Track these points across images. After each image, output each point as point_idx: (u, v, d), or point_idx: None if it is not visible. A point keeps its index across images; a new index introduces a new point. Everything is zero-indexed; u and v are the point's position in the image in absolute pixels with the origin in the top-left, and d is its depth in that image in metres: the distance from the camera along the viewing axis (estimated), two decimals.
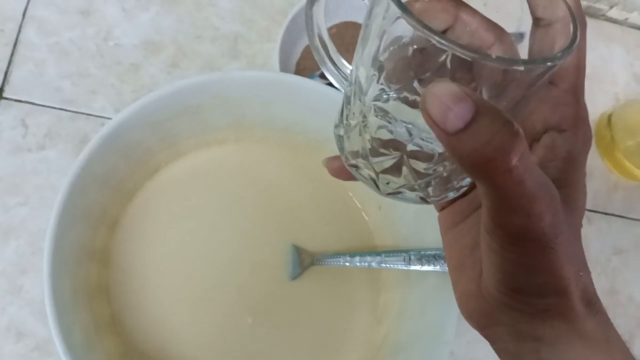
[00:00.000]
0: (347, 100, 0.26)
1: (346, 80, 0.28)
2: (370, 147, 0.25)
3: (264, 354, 0.47)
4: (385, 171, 0.25)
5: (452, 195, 0.26)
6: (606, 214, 0.59)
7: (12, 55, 0.52)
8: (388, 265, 0.45)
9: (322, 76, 0.54)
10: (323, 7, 0.27)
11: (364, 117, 0.24)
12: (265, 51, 0.58)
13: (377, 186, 0.26)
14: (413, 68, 0.22)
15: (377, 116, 0.24)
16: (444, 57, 0.19)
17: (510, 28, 0.24)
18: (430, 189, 0.25)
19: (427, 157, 0.24)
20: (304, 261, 0.48)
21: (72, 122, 0.51)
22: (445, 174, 0.24)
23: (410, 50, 0.21)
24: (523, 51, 0.24)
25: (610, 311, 0.56)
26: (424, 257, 0.43)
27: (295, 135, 0.50)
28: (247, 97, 0.46)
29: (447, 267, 0.27)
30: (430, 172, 0.24)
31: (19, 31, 0.53)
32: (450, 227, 0.27)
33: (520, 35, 0.25)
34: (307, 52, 0.57)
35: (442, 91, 0.18)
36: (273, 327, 0.47)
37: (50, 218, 0.38)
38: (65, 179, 0.39)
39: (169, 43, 0.55)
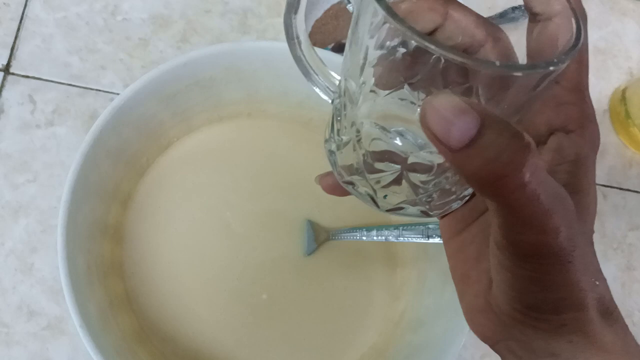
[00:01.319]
0: (337, 113, 0.25)
1: (334, 92, 0.27)
2: (365, 161, 0.24)
3: (279, 331, 0.46)
4: (383, 187, 0.24)
5: (455, 205, 0.25)
6: (621, 189, 0.59)
7: (18, 30, 0.51)
8: (406, 239, 0.44)
9: (335, 49, 0.53)
10: (303, 14, 0.25)
11: (357, 130, 0.23)
12: (275, 26, 0.56)
13: (375, 203, 0.25)
14: (402, 72, 0.20)
15: (370, 127, 0.22)
16: (433, 59, 0.18)
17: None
18: (432, 202, 0.24)
19: (426, 168, 0.22)
20: (319, 236, 0.47)
21: (81, 98, 0.50)
22: (447, 186, 0.23)
23: (400, 53, 0.20)
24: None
25: (627, 288, 0.55)
26: None
27: (309, 109, 0.49)
28: (259, 70, 0.45)
29: (452, 277, 0.26)
30: (431, 184, 0.23)
31: (25, 6, 0.52)
32: (453, 235, 0.26)
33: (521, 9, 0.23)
34: (319, 27, 0.56)
35: (443, 104, 0.16)
36: (288, 303, 0.47)
37: (63, 191, 0.37)
38: (78, 152, 0.38)
39: (177, 18, 0.54)
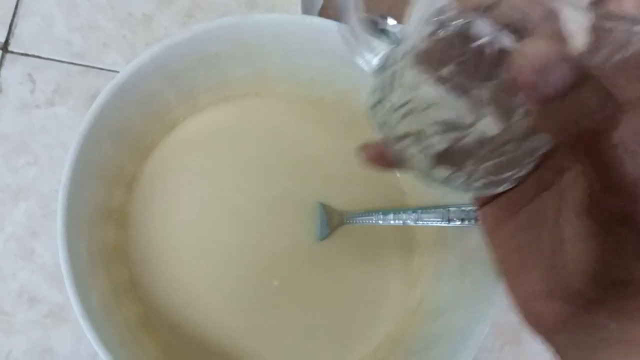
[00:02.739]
0: (390, 79, 0.23)
1: (392, 41, 0.25)
2: (421, 128, 0.22)
3: (289, 319, 0.44)
4: (438, 156, 0.22)
5: (506, 186, 0.23)
6: None
7: (16, 7, 0.49)
8: (425, 223, 0.41)
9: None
10: None
11: (414, 95, 0.21)
12: (284, 2, 0.54)
13: (427, 174, 0.23)
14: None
15: (429, 91, 0.21)
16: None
17: None
18: (485, 177, 0.22)
19: (485, 140, 0.21)
20: (332, 220, 0.45)
21: (83, 77, 0.48)
22: (504, 161, 0.22)
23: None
24: None
25: None
26: (465, 213, 0.40)
27: (320, 87, 0.47)
28: (268, 45, 0.43)
29: (501, 267, 0.23)
30: (488, 158, 0.21)
31: None
32: (499, 224, 0.24)
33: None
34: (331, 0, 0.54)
35: (541, 50, 0.15)
36: (300, 290, 0.44)
37: (62, 174, 0.35)
38: (78, 131, 0.36)
39: None
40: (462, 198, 0.43)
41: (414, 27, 0.21)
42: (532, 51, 0.15)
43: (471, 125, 0.20)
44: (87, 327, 0.33)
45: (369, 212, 0.44)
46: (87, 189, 0.38)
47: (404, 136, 0.23)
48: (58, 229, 0.34)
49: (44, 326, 0.42)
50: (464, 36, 0.18)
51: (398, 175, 0.48)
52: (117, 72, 0.48)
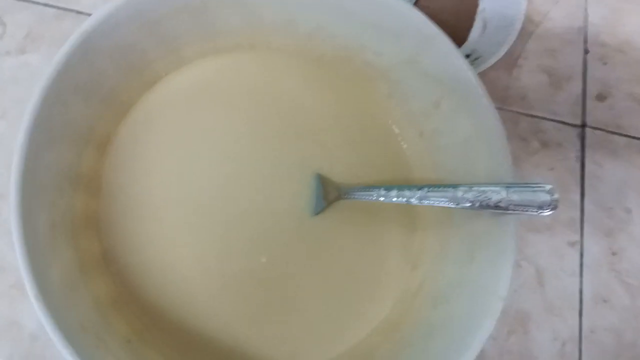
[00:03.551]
0: None
1: None
2: None
3: (278, 300, 0.40)
4: None
5: None
6: None
7: None
8: (431, 202, 0.37)
9: None
10: None
11: None
12: None
13: None
14: None
15: None
16: None
17: None
18: None
19: None
20: (329, 194, 0.41)
21: (58, 21, 0.43)
22: None
23: None
24: None
25: None
26: (476, 193, 0.35)
27: (320, 42, 0.42)
28: None
29: None
30: None
31: None
32: None
33: None
34: None
35: None
36: (290, 268, 0.40)
37: (17, 136, 0.31)
38: (37, 86, 0.31)
39: None
40: (474, 175, 0.38)
41: None
42: None
43: None
44: (41, 310, 0.30)
45: (369, 187, 0.39)
46: (49, 152, 0.33)
47: None
48: (11, 201, 0.30)
49: (9, 297, 0.39)
50: None
51: (404, 145, 0.43)
52: None
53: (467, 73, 0.36)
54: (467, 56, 0.48)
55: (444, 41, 0.37)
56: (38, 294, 0.30)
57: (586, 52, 0.53)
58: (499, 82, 0.50)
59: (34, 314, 0.39)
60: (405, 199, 0.38)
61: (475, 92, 0.36)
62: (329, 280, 0.41)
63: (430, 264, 0.41)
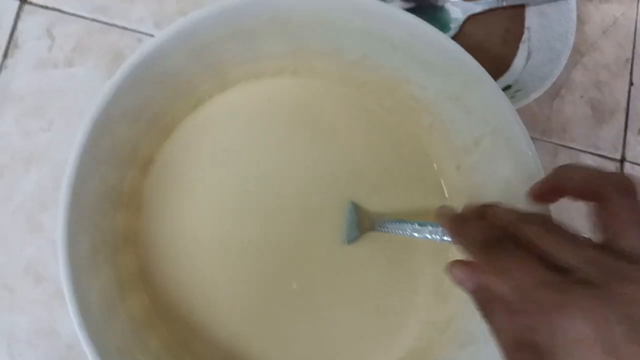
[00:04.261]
0: None
1: None
2: None
3: (306, 326, 0.41)
4: None
5: None
6: None
7: None
8: None
9: None
10: None
11: None
12: None
13: None
14: None
15: None
16: None
17: None
18: None
19: None
20: (363, 224, 0.41)
21: (105, 35, 0.44)
22: None
23: None
24: None
25: None
26: None
27: (363, 71, 0.42)
28: (311, 23, 0.37)
29: None
30: None
31: None
32: None
33: None
34: None
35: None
36: (320, 295, 0.41)
37: (66, 168, 0.31)
38: (87, 116, 0.32)
39: None
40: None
41: None
42: None
43: None
44: (84, 337, 0.31)
45: (403, 221, 0.40)
46: (94, 178, 0.34)
47: None
48: (59, 231, 0.31)
49: (49, 307, 0.40)
50: None
51: (441, 179, 0.43)
52: (143, 33, 0.44)
53: (511, 118, 0.36)
54: (509, 87, 0.47)
55: (489, 83, 0.37)
56: (81, 322, 0.31)
57: (631, 84, 0.52)
58: (540, 113, 0.50)
59: (71, 323, 0.40)
60: (439, 237, 0.38)
61: (518, 138, 0.36)
62: (356, 309, 0.41)
63: (461, 300, 0.41)
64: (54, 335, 0.40)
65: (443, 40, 0.36)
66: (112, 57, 0.43)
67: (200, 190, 0.41)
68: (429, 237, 0.38)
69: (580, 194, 0.26)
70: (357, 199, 0.42)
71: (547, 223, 0.25)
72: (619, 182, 0.24)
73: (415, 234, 0.39)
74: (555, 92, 0.50)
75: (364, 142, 0.43)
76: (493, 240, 0.26)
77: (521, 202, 0.37)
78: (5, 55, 0.42)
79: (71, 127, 0.42)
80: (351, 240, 0.41)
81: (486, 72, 0.37)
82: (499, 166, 0.38)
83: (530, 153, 0.36)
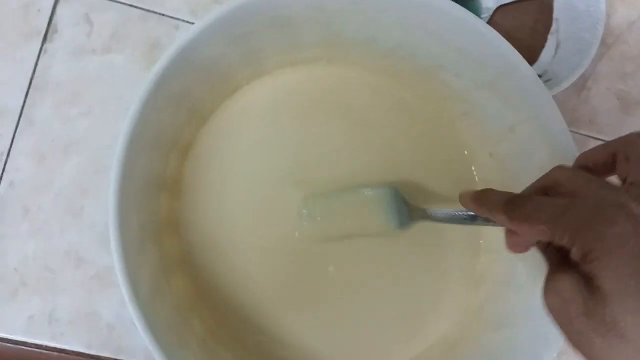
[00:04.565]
0: None
1: None
2: None
3: (342, 308, 0.42)
4: None
5: None
6: None
7: None
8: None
9: None
10: None
11: None
12: None
13: None
14: None
15: None
16: None
17: None
18: None
19: None
20: (410, 211, 0.41)
21: (142, 22, 0.44)
22: None
23: None
24: None
25: None
26: None
27: (399, 59, 0.42)
28: (347, 10, 0.38)
29: None
30: None
31: None
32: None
33: None
34: None
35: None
36: (356, 279, 0.42)
37: (117, 143, 0.32)
38: (136, 97, 0.33)
39: None
40: None
41: None
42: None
43: None
44: (136, 313, 0.31)
45: (450, 210, 0.39)
46: (142, 157, 0.35)
47: None
48: (111, 206, 0.32)
49: (89, 288, 0.41)
50: None
51: (473, 167, 0.44)
52: (180, 19, 0.44)
53: (548, 104, 0.37)
54: (538, 77, 0.48)
55: (526, 69, 0.37)
56: (132, 296, 0.31)
57: None
58: (567, 104, 0.50)
59: (111, 304, 0.41)
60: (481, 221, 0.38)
61: (555, 125, 0.37)
62: (391, 293, 0.42)
63: (493, 284, 0.42)
64: (94, 316, 0.41)
65: (480, 27, 0.37)
66: (149, 44, 0.44)
67: (237, 175, 0.41)
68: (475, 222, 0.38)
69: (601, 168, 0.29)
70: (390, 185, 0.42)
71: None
72: (627, 141, 0.28)
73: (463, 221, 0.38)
74: (582, 84, 0.51)
75: (397, 130, 0.44)
76: (516, 195, 0.30)
77: None
78: (44, 40, 0.43)
79: (109, 114, 0.43)
80: (402, 225, 0.41)
81: (523, 59, 0.37)
82: (534, 153, 0.39)
83: (566, 140, 0.37)
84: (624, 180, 0.27)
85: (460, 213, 0.37)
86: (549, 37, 0.50)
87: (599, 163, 0.29)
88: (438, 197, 0.43)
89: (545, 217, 0.25)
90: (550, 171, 0.29)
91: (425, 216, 0.39)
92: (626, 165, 0.27)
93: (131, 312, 0.31)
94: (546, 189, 0.29)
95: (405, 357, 0.42)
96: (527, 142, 0.39)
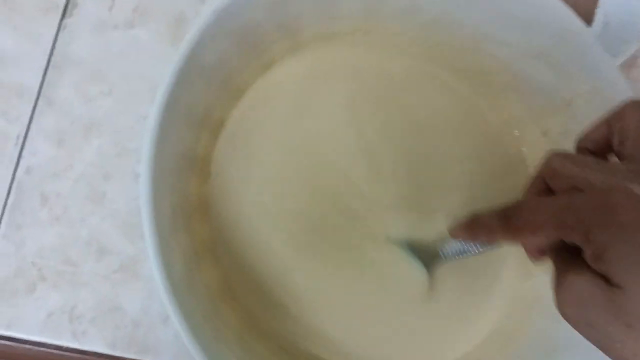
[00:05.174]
0: None
1: None
2: None
3: (382, 304, 0.38)
4: None
5: None
6: None
7: None
8: None
9: None
10: None
11: None
12: None
13: None
14: None
15: None
16: None
17: None
18: None
19: None
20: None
21: None
22: None
23: None
24: None
25: None
26: None
27: (440, 30, 0.39)
28: None
29: None
30: None
31: None
32: None
33: None
34: None
35: None
36: (397, 270, 0.38)
37: (150, 117, 0.29)
38: (170, 68, 0.30)
39: None
40: None
41: None
42: None
43: None
44: (172, 304, 0.28)
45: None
46: (173, 135, 0.32)
47: None
48: (143, 187, 0.28)
49: (112, 281, 0.38)
50: None
51: (523, 148, 0.41)
52: None
53: (614, 74, 0.34)
54: None
55: (586, 36, 0.34)
56: (167, 287, 0.28)
57: None
58: None
59: (136, 299, 0.38)
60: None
61: (623, 96, 0.34)
62: (438, 283, 0.39)
63: (547, 276, 0.38)
64: (118, 311, 0.38)
65: None
66: (174, 18, 0.41)
67: (267, 156, 0.38)
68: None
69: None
70: (429, 177, 0.39)
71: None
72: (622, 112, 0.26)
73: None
74: (631, 62, 0.48)
75: (438, 118, 0.41)
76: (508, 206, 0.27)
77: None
78: (64, 14, 0.40)
79: (132, 93, 0.40)
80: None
81: (583, 25, 0.34)
82: None
83: None
84: (622, 156, 0.26)
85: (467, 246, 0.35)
86: (597, 11, 0.47)
87: (599, 141, 0.28)
88: (482, 186, 0.40)
89: (546, 219, 0.24)
90: (545, 160, 0.27)
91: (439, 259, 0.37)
92: (623, 139, 0.26)
93: (167, 304, 0.28)
94: (545, 180, 0.27)
95: (460, 351, 0.38)
96: (588, 117, 0.36)
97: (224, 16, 0.31)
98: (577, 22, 0.34)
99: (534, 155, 0.40)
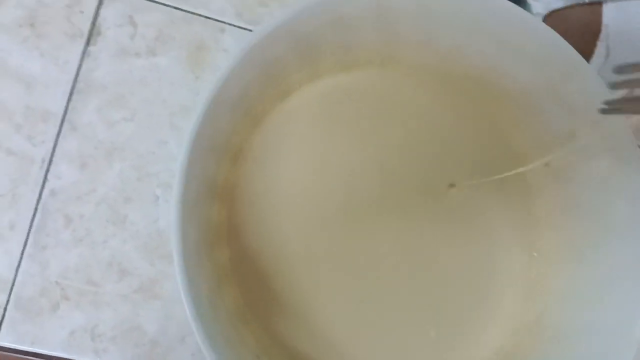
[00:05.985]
0: None
1: None
2: None
3: (394, 319, 0.40)
4: None
5: None
6: None
7: None
8: None
9: None
10: None
11: None
12: None
13: None
14: None
15: None
16: None
17: None
18: None
19: None
20: None
21: (187, 24, 0.43)
22: None
23: None
24: None
25: None
26: None
27: (453, 62, 0.41)
28: (406, 8, 0.37)
29: None
30: None
31: None
32: None
33: None
34: None
35: None
36: (405, 295, 0.40)
37: (179, 155, 0.31)
38: (201, 103, 0.31)
39: None
40: (608, 216, 0.38)
41: None
42: None
43: None
44: (198, 327, 0.30)
45: None
46: (200, 164, 0.33)
47: None
48: (173, 218, 0.30)
49: (133, 302, 0.39)
50: None
51: (527, 175, 0.43)
52: (225, 22, 0.43)
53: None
54: None
55: (589, 71, 0.36)
56: (193, 310, 0.30)
57: None
58: None
59: (155, 319, 0.39)
60: None
61: (620, 131, 0.36)
62: (443, 303, 0.41)
63: (550, 295, 0.40)
64: (138, 331, 0.39)
65: (541, 27, 0.36)
66: (194, 47, 0.42)
67: (287, 180, 0.40)
68: None
69: None
70: (438, 190, 0.41)
71: None
72: None
73: None
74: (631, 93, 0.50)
75: (449, 134, 0.43)
76: None
77: (621, 205, 0.37)
78: (88, 42, 0.41)
79: (154, 118, 0.41)
80: None
81: (585, 61, 0.36)
82: (597, 163, 0.38)
83: (631, 149, 0.36)
84: None
85: None
86: (599, 44, 0.49)
87: None
88: (487, 206, 0.42)
89: None
90: None
91: None
92: None
93: (193, 327, 0.30)
94: None
95: None
96: (589, 150, 0.38)
97: (251, 53, 0.33)
98: (579, 58, 0.36)
99: (536, 183, 0.42)
